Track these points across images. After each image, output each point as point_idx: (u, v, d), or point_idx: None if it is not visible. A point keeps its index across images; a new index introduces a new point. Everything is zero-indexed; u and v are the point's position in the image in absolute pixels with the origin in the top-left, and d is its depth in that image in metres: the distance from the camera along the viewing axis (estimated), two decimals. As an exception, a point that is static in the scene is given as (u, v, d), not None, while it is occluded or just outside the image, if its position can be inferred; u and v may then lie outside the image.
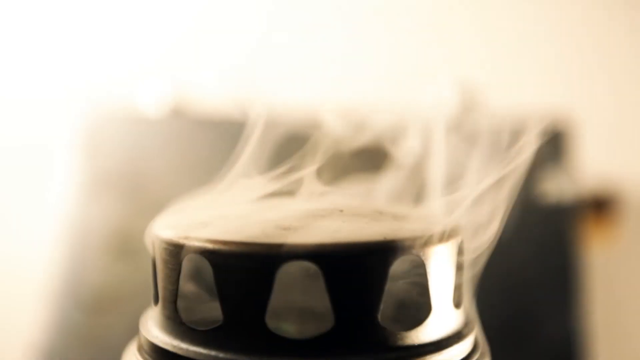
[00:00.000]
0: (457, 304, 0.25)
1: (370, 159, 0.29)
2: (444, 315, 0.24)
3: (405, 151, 0.29)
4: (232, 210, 0.27)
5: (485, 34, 0.72)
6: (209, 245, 0.23)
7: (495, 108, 0.60)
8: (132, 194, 0.61)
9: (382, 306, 0.22)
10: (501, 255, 0.26)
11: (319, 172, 0.27)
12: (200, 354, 0.23)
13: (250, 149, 0.27)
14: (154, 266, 0.25)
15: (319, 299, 0.23)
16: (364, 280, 0.22)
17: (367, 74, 0.71)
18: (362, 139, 0.29)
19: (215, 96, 0.71)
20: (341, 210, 0.26)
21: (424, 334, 0.23)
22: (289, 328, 0.24)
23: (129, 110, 0.67)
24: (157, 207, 0.27)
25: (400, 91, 0.65)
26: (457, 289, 0.25)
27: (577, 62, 0.72)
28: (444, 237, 0.24)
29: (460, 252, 0.25)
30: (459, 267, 0.25)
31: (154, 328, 0.25)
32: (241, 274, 0.22)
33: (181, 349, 0.23)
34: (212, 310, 0.24)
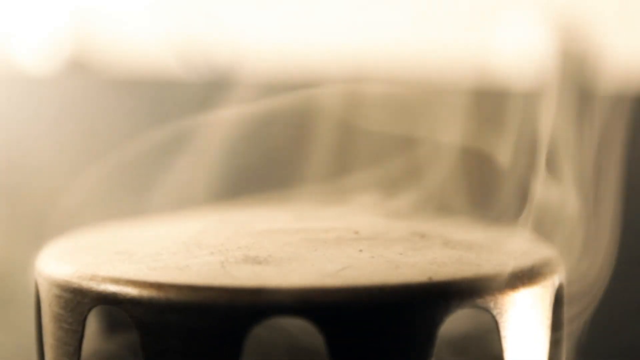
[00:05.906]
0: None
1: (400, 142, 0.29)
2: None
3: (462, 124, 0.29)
4: (167, 229, 0.27)
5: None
6: (132, 291, 0.22)
7: (613, 61, 0.60)
8: (3, 202, 0.60)
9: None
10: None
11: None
12: None
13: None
14: (39, 326, 0.25)
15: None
16: (396, 348, 0.22)
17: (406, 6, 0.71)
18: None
19: (142, 43, 0.71)
20: (356, 232, 0.26)
21: None
22: None
23: (2, 65, 0.67)
24: (44, 222, 0.27)
25: (460, 32, 0.65)
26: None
27: None
28: (530, 276, 0.23)
29: (559, 301, 0.24)
30: (556, 327, 0.24)
31: None
32: (188, 339, 0.22)
33: None
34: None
